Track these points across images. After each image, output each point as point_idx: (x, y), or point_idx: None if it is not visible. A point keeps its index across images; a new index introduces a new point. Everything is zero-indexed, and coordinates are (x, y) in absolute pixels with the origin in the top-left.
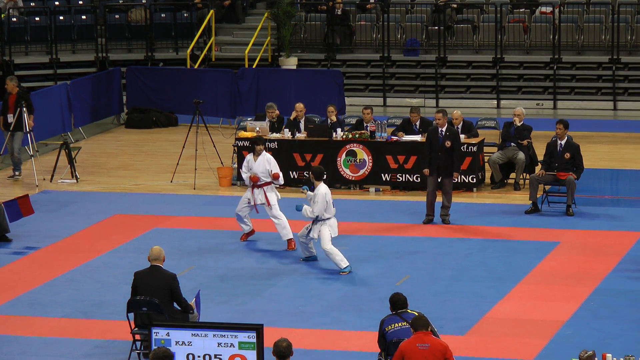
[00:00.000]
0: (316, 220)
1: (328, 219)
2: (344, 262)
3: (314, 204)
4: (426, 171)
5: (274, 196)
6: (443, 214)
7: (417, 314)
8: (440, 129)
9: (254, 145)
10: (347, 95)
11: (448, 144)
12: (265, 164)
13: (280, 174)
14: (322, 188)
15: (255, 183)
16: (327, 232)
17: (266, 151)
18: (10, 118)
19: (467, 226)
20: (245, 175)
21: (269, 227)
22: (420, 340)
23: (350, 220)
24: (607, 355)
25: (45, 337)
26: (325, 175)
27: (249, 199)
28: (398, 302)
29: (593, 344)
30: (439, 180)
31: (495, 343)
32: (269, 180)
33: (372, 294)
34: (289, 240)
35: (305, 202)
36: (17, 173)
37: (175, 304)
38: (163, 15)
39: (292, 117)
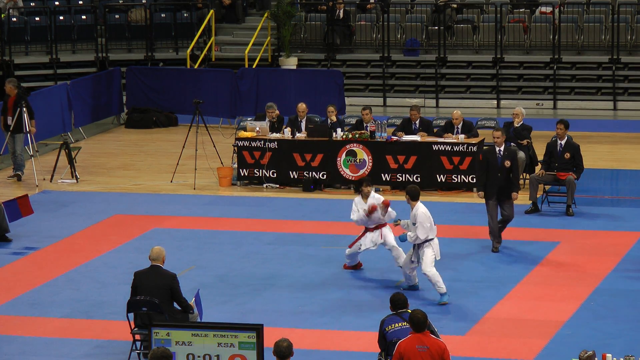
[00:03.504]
0: (418, 244)
1: (431, 239)
2: (443, 288)
3: (418, 228)
4: (481, 194)
5: (391, 236)
6: (496, 241)
7: (413, 312)
8: (498, 149)
9: (360, 187)
10: (347, 95)
11: (507, 164)
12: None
13: (389, 205)
14: (422, 208)
15: (373, 212)
16: (431, 254)
17: (375, 192)
18: (10, 120)
19: (467, 226)
20: (357, 215)
21: (270, 227)
22: (419, 342)
23: (350, 220)
24: (607, 355)
25: (45, 337)
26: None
27: (360, 245)
28: (398, 302)
29: (593, 344)
30: (498, 202)
31: (495, 343)
32: (382, 222)
33: (372, 294)
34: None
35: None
36: (19, 173)
37: (175, 304)
38: (163, 15)
39: (286, 128)
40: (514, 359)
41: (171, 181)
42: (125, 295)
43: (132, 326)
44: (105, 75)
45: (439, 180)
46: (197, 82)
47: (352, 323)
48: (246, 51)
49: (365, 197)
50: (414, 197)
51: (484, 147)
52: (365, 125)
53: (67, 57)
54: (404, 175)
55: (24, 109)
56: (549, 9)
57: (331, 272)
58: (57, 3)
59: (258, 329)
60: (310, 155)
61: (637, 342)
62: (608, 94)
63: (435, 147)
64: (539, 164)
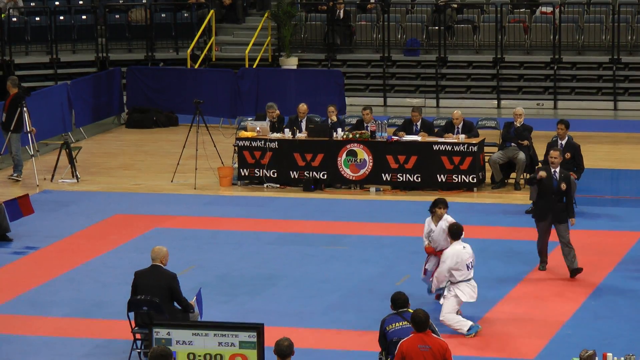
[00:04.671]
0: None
1: (458, 282)
2: (465, 327)
3: (443, 263)
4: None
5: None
6: (571, 260)
7: (415, 311)
8: (553, 170)
9: (433, 208)
10: (347, 95)
11: (563, 186)
12: (445, 230)
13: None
14: (452, 250)
15: (432, 253)
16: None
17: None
18: (3, 118)
19: (467, 226)
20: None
21: (270, 227)
22: (421, 341)
23: (350, 220)
24: (608, 354)
25: (45, 337)
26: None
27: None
28: (399, 301)
29: (593, 344)
30: (553, 226)
31: (495, 343)
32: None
33: (372, 294)
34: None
35: None
36: (15, 175)
37: (175, 304)
38: (163, 15)
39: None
40: (514, 358)
41: (172, 181)
42: (125, 295)
43: (133, 325)
44: (105, 75)
45: (440, 180)
46: (198, 82)
47: (352, 323)
48: (246, 51)
49: (437, 219)
50: (454, 237)
51: (540, 167)
52: (365, 125)
53: (67, 57)
54: (404, 175)
55: (25, 108)
56: (550, 9)
57: (331, 272)
58: (57, 3)
59: (259, 329)
60: (310, 155)
61: (637, 341)
62: (608, 94)
63: (435, 147)
64: (539, 163)
